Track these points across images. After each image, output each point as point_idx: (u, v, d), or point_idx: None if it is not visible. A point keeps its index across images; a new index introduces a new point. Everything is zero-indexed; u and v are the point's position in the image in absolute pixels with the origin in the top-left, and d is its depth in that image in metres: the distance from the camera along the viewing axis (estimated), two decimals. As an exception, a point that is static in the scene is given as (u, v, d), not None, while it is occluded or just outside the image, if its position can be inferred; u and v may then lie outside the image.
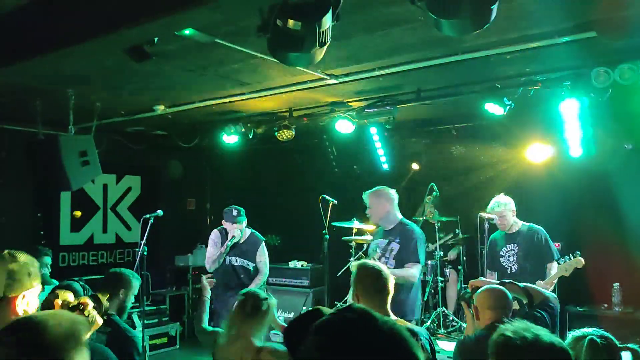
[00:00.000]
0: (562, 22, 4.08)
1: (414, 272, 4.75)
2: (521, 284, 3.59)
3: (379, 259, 4.85)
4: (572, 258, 4.89)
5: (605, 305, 5.81)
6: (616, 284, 5.82)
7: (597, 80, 4.67)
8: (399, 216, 5.15)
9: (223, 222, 5.87)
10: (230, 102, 6.28)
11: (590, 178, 6.35)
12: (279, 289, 7.74)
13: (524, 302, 3.49)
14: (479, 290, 3.34)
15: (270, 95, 5.97)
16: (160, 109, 6.63)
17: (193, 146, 8.03)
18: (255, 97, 6.06)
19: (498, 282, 3.65)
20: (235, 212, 5.78)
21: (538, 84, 5.18)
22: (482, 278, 4.50)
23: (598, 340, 2.04)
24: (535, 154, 6.37)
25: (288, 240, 8.39)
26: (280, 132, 7.15)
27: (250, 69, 5.11)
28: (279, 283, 7.77)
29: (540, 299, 3.41)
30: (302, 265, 7.83)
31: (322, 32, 2.58)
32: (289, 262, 7.90)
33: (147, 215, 6.07)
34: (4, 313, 2.04)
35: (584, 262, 4.85)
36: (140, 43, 3.01)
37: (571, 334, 2.21)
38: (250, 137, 7.26)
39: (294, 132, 7.14)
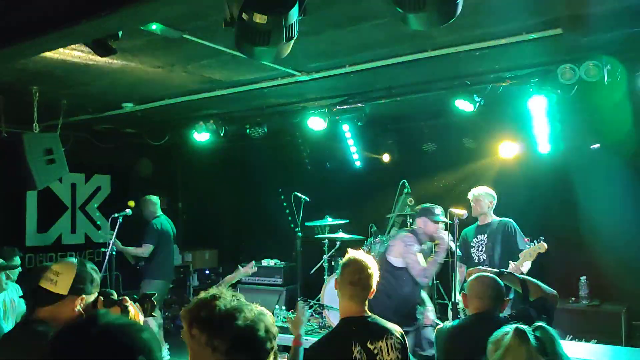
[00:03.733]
0: (529, 19, 4.13)
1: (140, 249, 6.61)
2: (520, 276, 3.41)
3: None
4: (535, 244, 4.98)
5: (573, 298, 5.91)
6: (583, 278, 5.92)
7: (563, 77, 4.75)
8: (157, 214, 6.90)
9: (422, 222, 5.04)
10: (200, 99, 6.21)
11: (558, 174, 6.46)
12: (252, 287, 7.70)
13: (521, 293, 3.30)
14: (470, 278, 3.22)
15: (241, 91, 5.91)
16: (129, 106, 6.52)
17: (164, 144, 7.93)
18: (225, 94, 6.00)
19: (497, 271, 3.43)
20: (439, 210, 4.98)
21: (506, 80, 5.24)
22: (480, 267, 4.38)
23: (526, 327, 2.07)
24: (506, 150, 6.46)
25: (261, 238, 8.35)
26: (252, 129, 7.11)
27: (220, 65, 5.06)
28: (252, 282, 7.72)
29: (538, 295, 3.19)
30: (275, 264, 7.79)
31: (289, 26, 2.55)
32: (262, 261, 7.86)
33: (116, 215, 5.97)
34: (64, 309, 2.36)
35: (546, 247, 4.90)
36: (103, 37, 2.94)
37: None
38: (222, 134, 7.19)
39: (266, 130, 7.10)
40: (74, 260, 2.48)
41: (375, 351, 2.73)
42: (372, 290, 2.87)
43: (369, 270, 2.86)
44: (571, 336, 5.26)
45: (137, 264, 6.81)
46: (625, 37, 4.40)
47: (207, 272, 9.05)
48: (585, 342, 5.24)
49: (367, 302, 2.88)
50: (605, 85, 4.86)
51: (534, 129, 5.82)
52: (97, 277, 2.51)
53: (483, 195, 5.46)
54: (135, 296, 2.56)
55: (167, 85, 5.75)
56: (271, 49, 2.65)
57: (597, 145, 6.12)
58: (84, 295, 2.42)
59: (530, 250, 4.95)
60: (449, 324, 3.31)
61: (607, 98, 5.69)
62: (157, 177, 9.16)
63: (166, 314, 8.49)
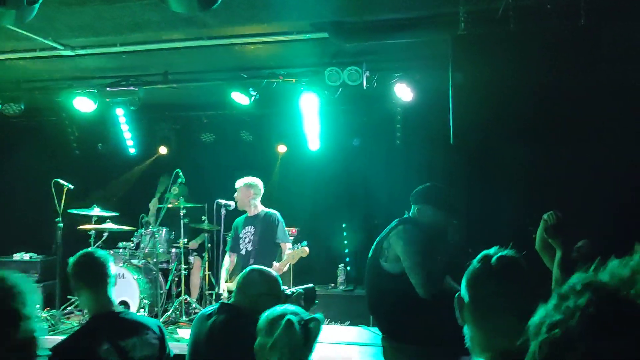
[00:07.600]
0: (300, 19, 4.33)
1: None
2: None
3: None
4: (298, 247, 5.20)
5: (332, 284, 6.42)
6: (341, 265, 6.47)
7: (329, 79, 5.09)
8: None
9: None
10: None
11: (326, 169, 6.96)
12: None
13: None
14: None
15: (-11, 60, 5.15)
16: None
17: None
18: (-31, 61, 5.17)
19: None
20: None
21: (280, 77, 5.43)
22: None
23: (294, 318, 2.12)
24: (282, 145, 6.75)
25: (13, 229, 7.37)
26: (6, 105, 6.25)
27: (-41, 26, 4.32)
28: (1, 278, 6.78)
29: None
30: (30, 257, 6.95)
31: (30, -13, 2.25)
32: (14, 255, 6.95)
33: None
34: None
35: (308, 252, 5.18)
36: None
37: (267, 315, 2.24)
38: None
39: (23, 107, 6.29)
40: None
41: (127, 348, 2.59)
42: (109, 279, 2.70)
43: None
44: (329, 319, 5.71)
45: None
46: (381, 47, 4.87)
47: (-57, 269, 7.70)
48: (340, 324, 5.74)
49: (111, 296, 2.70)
50: (368, 90, 5.37)
51: (305, 127, 6.15)
52: None
53: (246, 186, 5.45)
54: None
55: None
56: (9, 11, 2.31)
57: (356, 141, 6.70)
58: None
59: (293, 253, 5.18)
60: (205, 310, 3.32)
61: (371, 102, 6.33)
62: None
63: None
